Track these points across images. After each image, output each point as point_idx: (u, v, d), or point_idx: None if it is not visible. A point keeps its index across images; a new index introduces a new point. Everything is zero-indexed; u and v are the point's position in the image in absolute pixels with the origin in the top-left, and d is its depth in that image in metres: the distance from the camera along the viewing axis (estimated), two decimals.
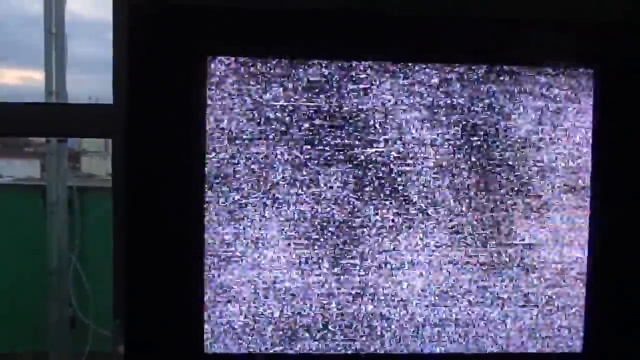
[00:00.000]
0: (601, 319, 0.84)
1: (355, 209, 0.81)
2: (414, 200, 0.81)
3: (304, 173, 0.80)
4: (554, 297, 0.84)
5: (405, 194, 0.81)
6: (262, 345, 0.81)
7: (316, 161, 0.80)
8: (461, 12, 0.82)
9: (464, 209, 0.82)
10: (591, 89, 0.82)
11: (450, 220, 0.82)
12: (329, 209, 0.80)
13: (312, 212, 0.80)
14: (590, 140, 0.83)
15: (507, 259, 0.83)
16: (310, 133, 0.79)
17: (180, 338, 0.80)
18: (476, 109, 0.81)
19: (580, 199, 0.83)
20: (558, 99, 0.82)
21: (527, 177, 0.82)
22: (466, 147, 0.81)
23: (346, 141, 0.80)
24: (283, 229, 0.80)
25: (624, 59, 0.82)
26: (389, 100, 0.80)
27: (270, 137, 0.79)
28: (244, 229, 0.80)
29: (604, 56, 0.82)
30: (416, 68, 0.80)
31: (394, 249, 0.81)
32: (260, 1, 0.78)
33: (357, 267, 0.81)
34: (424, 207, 0.81)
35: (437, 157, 0.81)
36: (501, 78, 0.81)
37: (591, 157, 0.83)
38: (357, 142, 0.80)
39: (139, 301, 0.79)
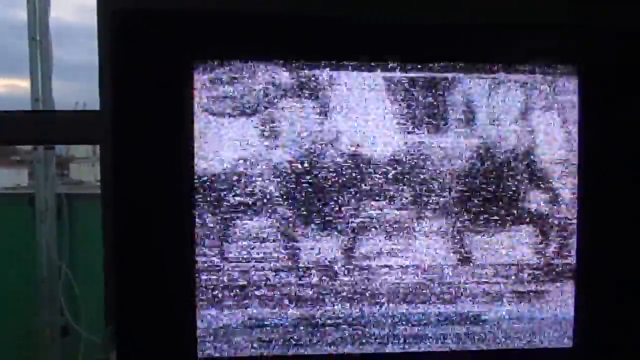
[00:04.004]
0: (591, 313, 0.85)
1: (353, 208, 0.81)
2: (406, 200, 0.81)
3: (294, 176, 0.80)
4: (543, 292, 0.84)
5: (398, 193, 0.81)
6: (254, 348, 0.81)
7: (306, 162, 0.80)
8: (449, 17, 0.83)
9: (453, 207, 0.82)
10: (576, 90, 0.83)
11: (440, 218, 0.82)
12: (323, 209, 0.80)
13: (306, 213, 0.80)
14: (577, 140, 0.83)
15: (498, 254, 0.83)
16: (299, 136, 0.80)
17: (173, 343, 0.80)
18: (462, 110, 0.82)
19: (568, 197, 0.84)
20: (544, 99, 0.83)
21: (514, 176, 0.83)
22: (452, 148, 0.82)
23: (333, 144, 0.80)
24: (275, 232, 0.80)
25: (608, 60, 0.83)
26: (378, 100, 0.80)
27: (258, 141, 0.79)
28: (234, 232, 0.80)
29: (588, 57, 0.83)
30: (401, 70, 0.80)
31: (389, 247, 0.82)
32: (246, 6, 0.78)
33: (353, 268, 0.81)
34: (413, 204, 0.82)
35: (426, 157, 0.81)
36: (486, 79, 0.82)
37: (578, 156, 0.83)
38: (346, 144, 0.80)
39: (130, 307, 0.79)
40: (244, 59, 0.78)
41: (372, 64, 0.80)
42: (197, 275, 0.79)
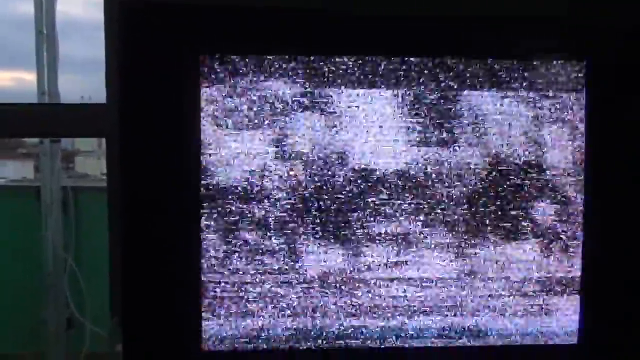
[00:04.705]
0: (596, 311, 0.85)
1: (353, 207, 0.81)
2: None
3: (300, 170, 0.80)
4: (549, 289, 0.84)
5: (401, 190, 0.81)
6: (259, 342, 0.82)
7: (311, 158, 0.80)
8: (454, 9, 0.83)
9: (458, 203, 0.82)
10: (583, 83, 0.82)
11: (447, 215, 0.82)
12: (326, 203, 0.80)
13: (309, 210, 0.80)
14: (584, 133, 0.83)
15: (503, 252, 0.83)
16: (304, 130, 0.80)
17: (178, 336, 0.80)
18: (468, 103, 0.81)
19: (575, 191, 0.83)
20: (551, 93, 0.82)
21: (521, 169, 0.83)
22: (459, 141, 0.82)
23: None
24: (279, 226, 0.80)
25: (614, 53, 0.83)
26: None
27: (265, 134, 0.79)
28: (240, 225, 0.80)
29: (595, 50, 0.82)
30: (407, 64, 0.80)
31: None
32: (255, 0, 0.78)
33: (355, 263, 0.81)
34: (419, 204, 0.82)
35: (431, 153, 0.81)
36: (494, 73, 0.81)
37: (585, 150, 0.83)
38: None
39: (136, 300, 0.79)
40: (251, 53, 0.78)
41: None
42: (203, 267, 0.80)
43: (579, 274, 0.84)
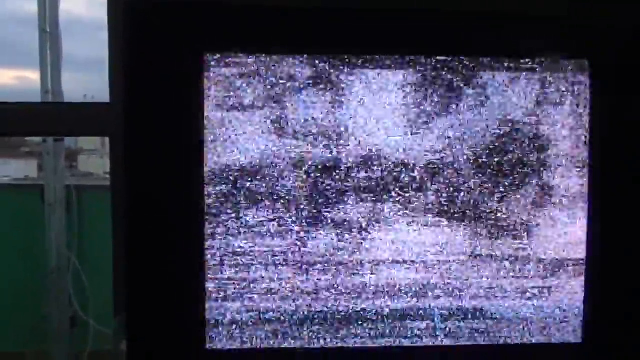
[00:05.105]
0: (601, 309, 0.85)
1: (353, 202, 0.81)
2: (412, 193, 0.81)
3: (304, 169, 0.80)
4: (553, 287, 0.84)
5: (405, 187, 0.81)
6: (263, 340, 0.82)
7: (315, 157, 0.80)
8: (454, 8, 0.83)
9: (461, 200, 0.82)
10: (587, 82, 0.82)
11: (448, 211, 0.82)
12: (328, 202, 0.81)
13: (311, 208, 0.80)
14: (588, 131, 0.83)
15: (506, 249, 0.83)
16: (308, 129, 0.80)
17: (182, 334, 0.80)
18: (473, 102, 0.81)
19: (580, 189, 0.83)
20: (554, 92, 0.82)
21: (525, 168, 0.83)
22: (462, 140, 0.82)
23: (343, 135, 0.80)
24: (283, 224, 0.80)
25: (618, 51, 0.83)
26: (387, 94, 0.80)
27: (268, 135, 0.79)
28: (244, 223, 0.80)
29: (598, 49, 0.82)
30: (408, 61, 0.80)
31: (392, 243, 0.82)
32: None
33: (357, 261, 0.82)
34: (422, 199, 0.82)
35: (434, 150, 0.81)
36: (496, 71, 0.81)
37: (589, 148, 0.83)
38: (356, 139, 0.80)
39: (140, 298, 0.80)
40: (255, 52, 0.78)
41: (386, 61, 0.80)
42: (206, 266, 0.80)
43: (583, 272, 0.84)
